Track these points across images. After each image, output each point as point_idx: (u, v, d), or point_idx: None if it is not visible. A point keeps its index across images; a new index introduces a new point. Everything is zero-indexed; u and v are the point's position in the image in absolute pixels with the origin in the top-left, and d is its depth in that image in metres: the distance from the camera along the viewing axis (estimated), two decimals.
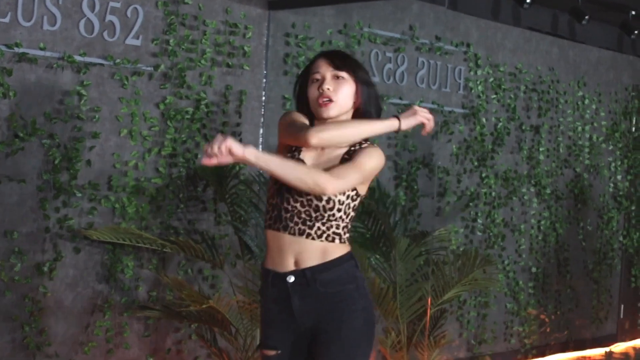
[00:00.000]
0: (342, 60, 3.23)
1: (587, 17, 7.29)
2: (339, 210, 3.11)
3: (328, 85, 3.18)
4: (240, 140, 5.68)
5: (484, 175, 7.32)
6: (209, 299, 4.79)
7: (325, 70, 3.21)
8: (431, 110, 3.15)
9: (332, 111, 3.19)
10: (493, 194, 7.41)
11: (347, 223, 3.17)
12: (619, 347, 8.78)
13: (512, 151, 7.59)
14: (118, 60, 5.19)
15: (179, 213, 5.51)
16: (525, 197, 7.71)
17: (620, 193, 8.70)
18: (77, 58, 5.03)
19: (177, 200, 5.49)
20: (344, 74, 3.20)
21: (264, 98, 5.90)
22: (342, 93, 3.19)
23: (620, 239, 8.79)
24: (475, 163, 7.25)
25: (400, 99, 6.66)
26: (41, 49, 4.90)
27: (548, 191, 7.88)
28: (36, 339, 4.97)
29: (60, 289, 5.07)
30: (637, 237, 8.94)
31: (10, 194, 4.85)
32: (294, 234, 3.11)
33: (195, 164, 5.53)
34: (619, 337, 8.85)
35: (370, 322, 3.17)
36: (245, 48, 5.75)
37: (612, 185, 8.63)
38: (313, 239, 3.10)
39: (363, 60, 6.27)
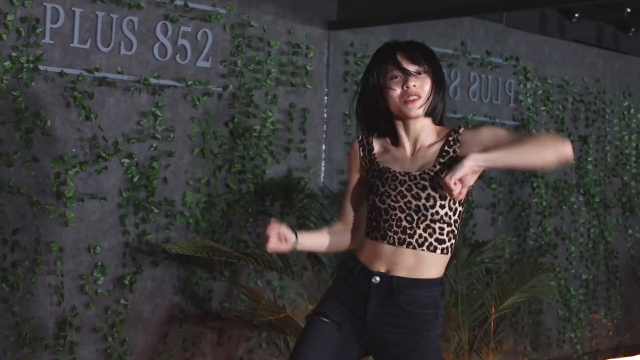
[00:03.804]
0: (421, 53, 3.01)
1: (632, 29, 7.46)
2: (442, 206, 2.94)
3: (414, 82, 2.96)
4: (305, 157, 5.96)
5: (535, 185, 7.50)
6: (284, 308, 5.01)
7: (406, 65, 2.98)
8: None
9: (420, 110, 2.98)
10: (544, 203, 7.58)
11: (454, 226, 2.98)
12: None
13: None
14: (190, 82, 5.44)
15: (248, 227, 5.74)
16: (575, 206, 7.88)
17: None
18: (152, 81, 5.29)
19: (247, 214, 5.73)
20: (424, 67, 2.98)
21: (325, 115, 6.13)
22: (426, 88, 2.98)
23: None
24: (527, 174, 7.44)
25: (455, 112, 6.87)
26: (119, 72, 5.16)
27: (597, 200, 8.04)
28: (118, 349, 5.22)
29: (139, 300, 5.32)
30: None
31: (93, 211, 5.11)
32: (393, 244, 2.95)
33: (263, 179, 5.77)
34: None
35: (441, 352, 3.02)
36: (308, 67, 5.99)
37: None
38: (414, 248, 2.93)
39: None
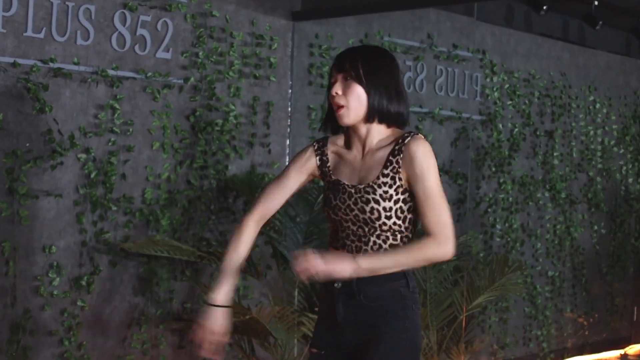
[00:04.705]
0: (346, 58, 2.94)
1: (600, 22, 7.36)
2: (389, 217, 2.92)
3: (336, 90, 2.92)
4: (269, 152, 5.77)
5: (501, 181, 7.37)
6: (249, 310, 4.81)
7: (336, 73, 2.94)
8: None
9: (346, 119, 2.92)
10: (510, 199, 7.46)
11: (407, 232, 2.96)
12: (633, 349, 8.84)
13: (528, 156, 7.65)
14: (149, 74, 5.22)
15: (210, 224, 5.53)
16: (541, 202, 7.77)
17: (632, 196, 8.78)
18: (110, 72, 5.06)
19: (209, 211, 5.52)
20: (351, 73, 2.90)
21: (289, 109, 5.94)
22: (352, 96, 2.90)
23: (633, 241, 8.86)
24: (493, 169, 7.31)
25: (421, 107, 6.71)
26: (75, 63, 4.93)
27: (563, 195, 7.94)
28: (75, 353, 4.99)
29: (97, 302, 5.09)
30: None
31: (48, 209, 4.87)
32: (351, 252, 2.97)
33: (225, 175, 5.56)
34: (633, 338, 8.91)
35: (415, 345, 2.97)
36: (271, 59, 5.79)
37: (623, 188, 8.70)
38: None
39: None
